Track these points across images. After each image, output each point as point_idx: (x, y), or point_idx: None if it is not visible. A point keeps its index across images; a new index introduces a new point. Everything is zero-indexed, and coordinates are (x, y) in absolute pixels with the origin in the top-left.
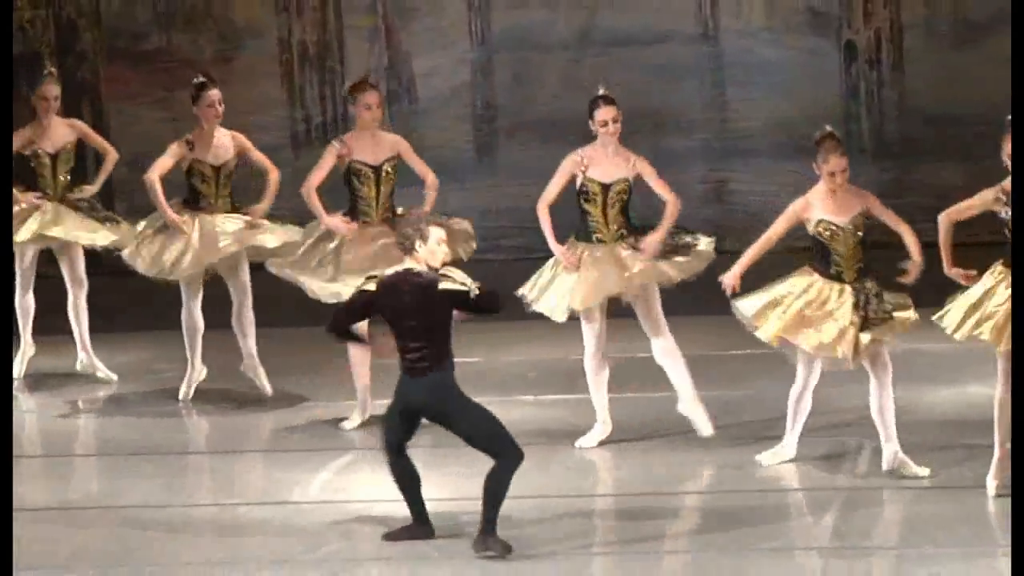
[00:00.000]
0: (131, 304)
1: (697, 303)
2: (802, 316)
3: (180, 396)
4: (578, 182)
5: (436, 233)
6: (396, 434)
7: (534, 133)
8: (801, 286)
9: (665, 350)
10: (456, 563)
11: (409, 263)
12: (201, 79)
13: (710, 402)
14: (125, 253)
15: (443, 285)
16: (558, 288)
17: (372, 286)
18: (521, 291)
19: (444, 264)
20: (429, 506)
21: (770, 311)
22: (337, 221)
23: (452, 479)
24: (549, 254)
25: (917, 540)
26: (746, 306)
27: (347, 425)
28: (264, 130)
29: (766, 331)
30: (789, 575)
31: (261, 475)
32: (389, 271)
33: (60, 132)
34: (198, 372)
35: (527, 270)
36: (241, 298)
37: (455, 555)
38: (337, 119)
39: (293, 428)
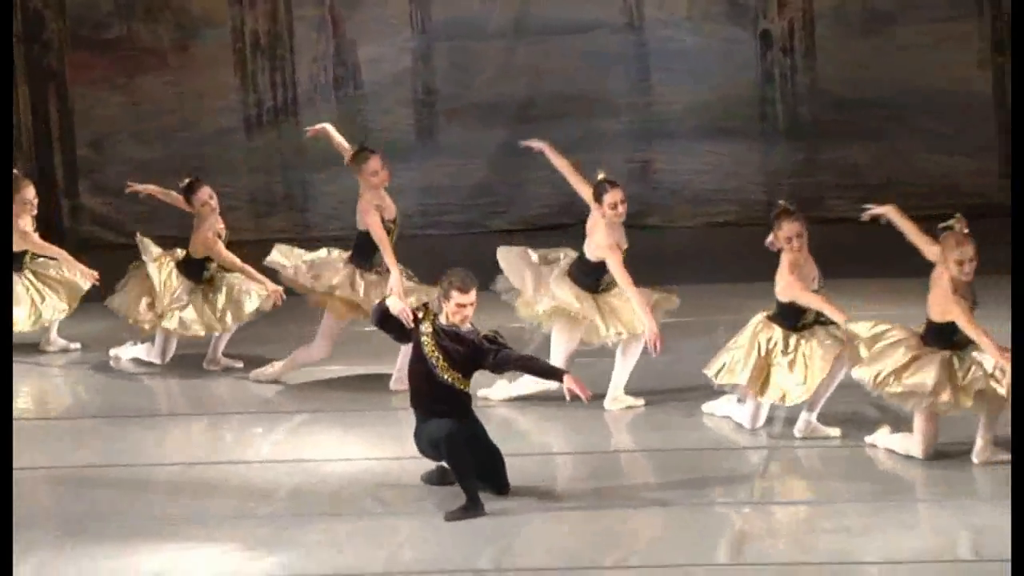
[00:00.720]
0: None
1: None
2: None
3: (159, 361)
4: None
5: (456, 298)
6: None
7: (472, 116)
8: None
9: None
10: (395, 519)
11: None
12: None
13: (642, 366)
14: None
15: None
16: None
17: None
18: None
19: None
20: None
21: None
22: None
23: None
24: (486, 230)
25: (829, 495)
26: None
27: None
28: (219, 113)
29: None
30: (710, 526)
31: (217, 436)
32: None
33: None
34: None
35: (466, 244)
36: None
37: (398, 511)
38: (287, 103)
39: (247, 393)
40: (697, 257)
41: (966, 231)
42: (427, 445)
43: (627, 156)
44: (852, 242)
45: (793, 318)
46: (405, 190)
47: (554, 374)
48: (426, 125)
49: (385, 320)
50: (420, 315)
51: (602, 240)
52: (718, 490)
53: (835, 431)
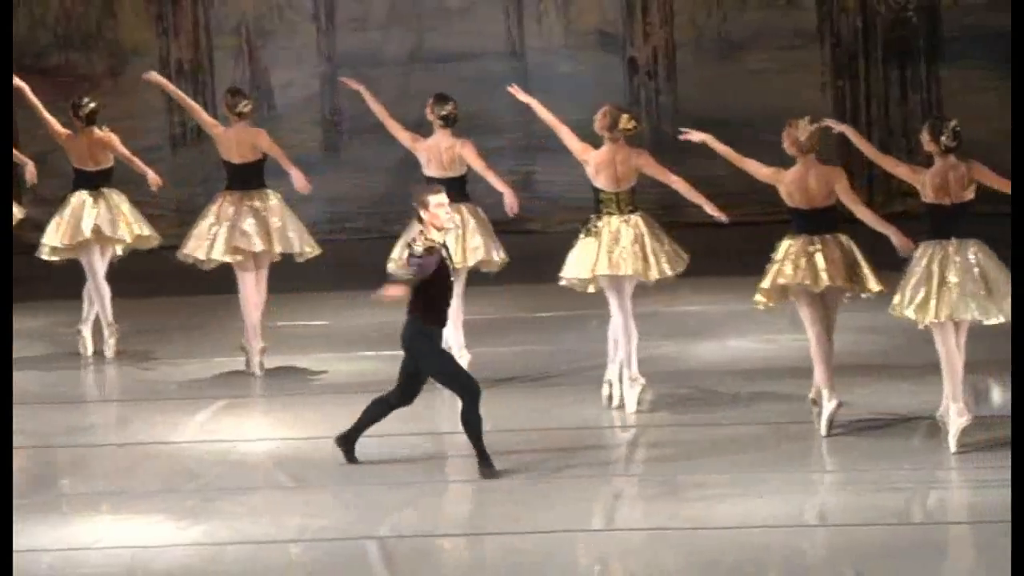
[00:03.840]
0: (32, 277)
1: (506, 273)
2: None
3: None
4: None
5: (434, 201)
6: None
7: (372, 135)
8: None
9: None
10: (307, 493)
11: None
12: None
13: (526, 356)
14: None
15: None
16: None
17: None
18: None
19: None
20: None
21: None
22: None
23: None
24: (386, 235)
25: (692, 468)
26: None
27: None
28: (147, 133)
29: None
30: (585, 496)
31: (147, 419)
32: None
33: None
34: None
35: (368, 247)
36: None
37: (308, 484)
38: None
39: (173, 380)
40: None
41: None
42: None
43: (511, 169)
44: (705, 245)
45: None
46: (313, 200)
47: None
48: (332, 142)
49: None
50: (430, 249)
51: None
52: (593, 463)
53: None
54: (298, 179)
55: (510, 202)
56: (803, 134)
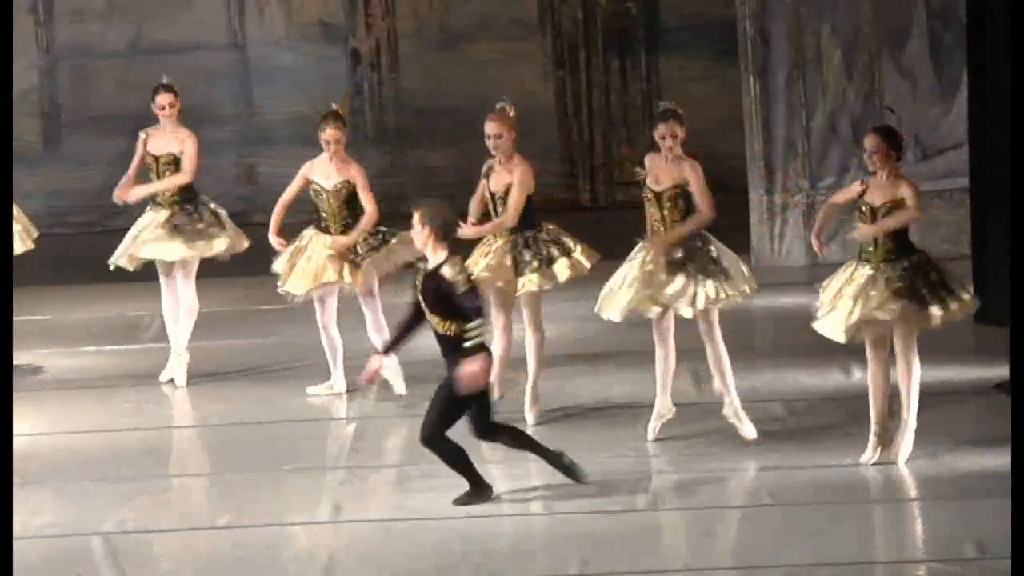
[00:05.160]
0: None
1: (233, 266)
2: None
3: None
4: None
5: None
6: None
7: (93, 128)
8: None
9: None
10: (27, 491)
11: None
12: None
13: (252, 349)
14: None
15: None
16: None
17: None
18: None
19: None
20: None
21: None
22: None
23: None
24: (106, 229)
25: (418, 458)
26: None
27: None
28: None
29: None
30: (313, 487)
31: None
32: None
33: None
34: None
35: (90, 241)
36: None
37: (28, 482)
38: None
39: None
40: None
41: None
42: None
43: (233, 161)
44: None
45: None
46: (33, 194)
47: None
48: (52, 135)
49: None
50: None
51: None
52: (319, 455)
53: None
54: None
55: None
56: None
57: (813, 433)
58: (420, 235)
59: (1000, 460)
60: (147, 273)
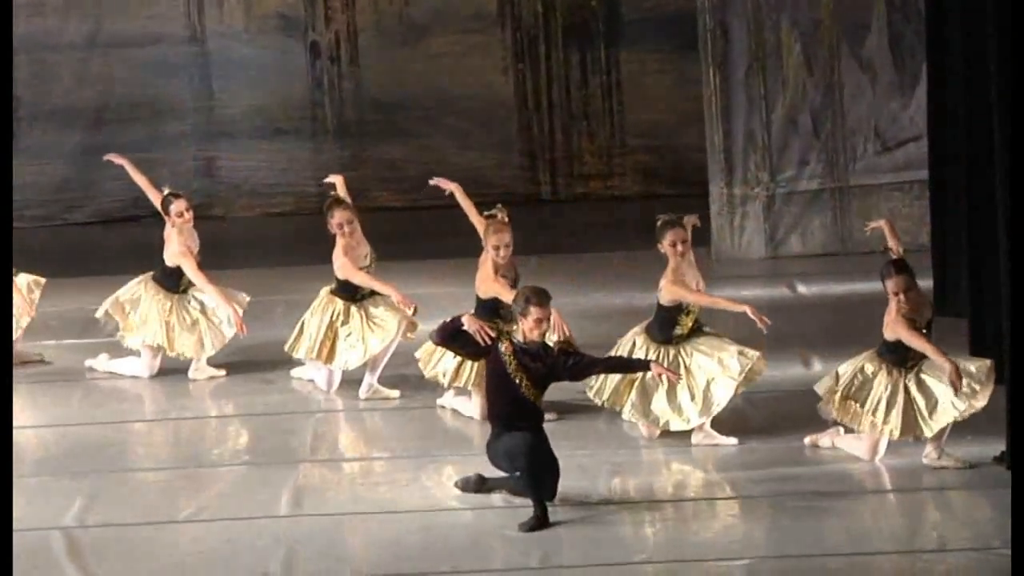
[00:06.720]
0: None
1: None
2: None
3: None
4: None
5: (534, 313)
6: None
7: (50, 121)
8: None
9: None
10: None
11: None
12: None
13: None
14: None
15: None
16: None
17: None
18: None
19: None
20: None
21: None
22: None
23: None
24: (65, 222)
25: (383, 451)
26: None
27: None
28: None
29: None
30: (273, 481)
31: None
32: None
33: None
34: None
35: (48, 235)
36: None
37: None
38: None
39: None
40: (256, 244)
41: (506, 220)
42: (503, 457)
43: (192, 154)
44: (391, 229)
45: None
46: None
47: (641, 365)
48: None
49: (455, 337)
50: (495, 334)
51: None
52: (280, 449)
53: (395, 393)
54: None
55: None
56: None
57: (774, 424)
58: (524, 326)
59: (962, 451)
60: (106, 268)
